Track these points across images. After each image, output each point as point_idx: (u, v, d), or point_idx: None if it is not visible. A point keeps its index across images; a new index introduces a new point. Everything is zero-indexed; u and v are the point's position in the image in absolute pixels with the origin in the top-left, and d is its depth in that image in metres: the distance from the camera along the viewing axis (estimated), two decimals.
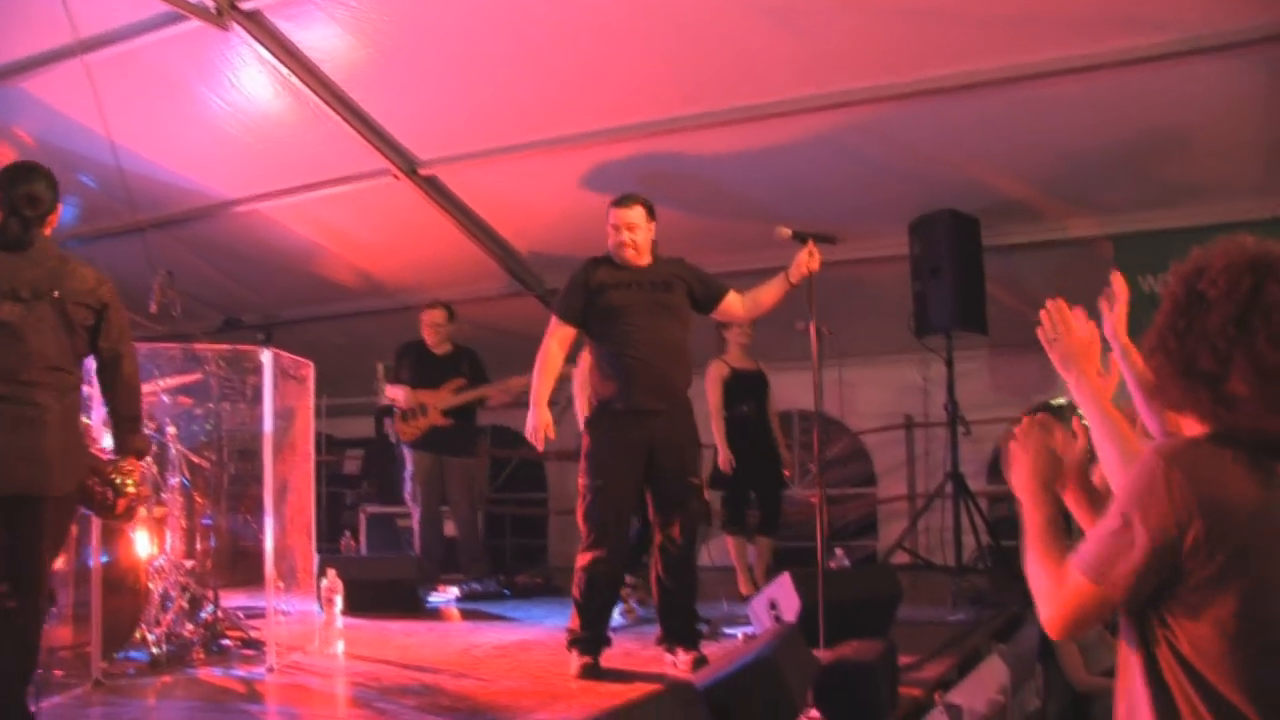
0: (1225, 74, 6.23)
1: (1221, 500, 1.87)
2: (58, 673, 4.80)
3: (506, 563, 9.27)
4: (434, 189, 8.12)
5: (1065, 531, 2.18)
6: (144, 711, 4.53)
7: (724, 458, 7.07)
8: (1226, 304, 1.94)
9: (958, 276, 7.30)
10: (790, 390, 7.96)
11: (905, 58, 6.36)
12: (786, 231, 5.63)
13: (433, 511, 7.91)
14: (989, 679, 4.96)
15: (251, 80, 6.97)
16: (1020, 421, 2.28)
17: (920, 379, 9.30)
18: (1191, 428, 2.05)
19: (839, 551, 7.06)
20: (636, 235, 5.23)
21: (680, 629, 5.12)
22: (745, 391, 7.33)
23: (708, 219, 8.03)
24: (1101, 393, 2.30)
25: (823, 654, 4.15)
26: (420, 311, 8.12)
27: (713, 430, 7.14)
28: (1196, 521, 1.85)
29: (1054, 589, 2.01)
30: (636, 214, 5.24)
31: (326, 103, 7.07)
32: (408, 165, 7.82)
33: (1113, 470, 2.19)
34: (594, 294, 5.19)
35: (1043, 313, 2.41)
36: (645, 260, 5.29)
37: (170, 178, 8.12)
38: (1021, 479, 2.20)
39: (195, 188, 8.36)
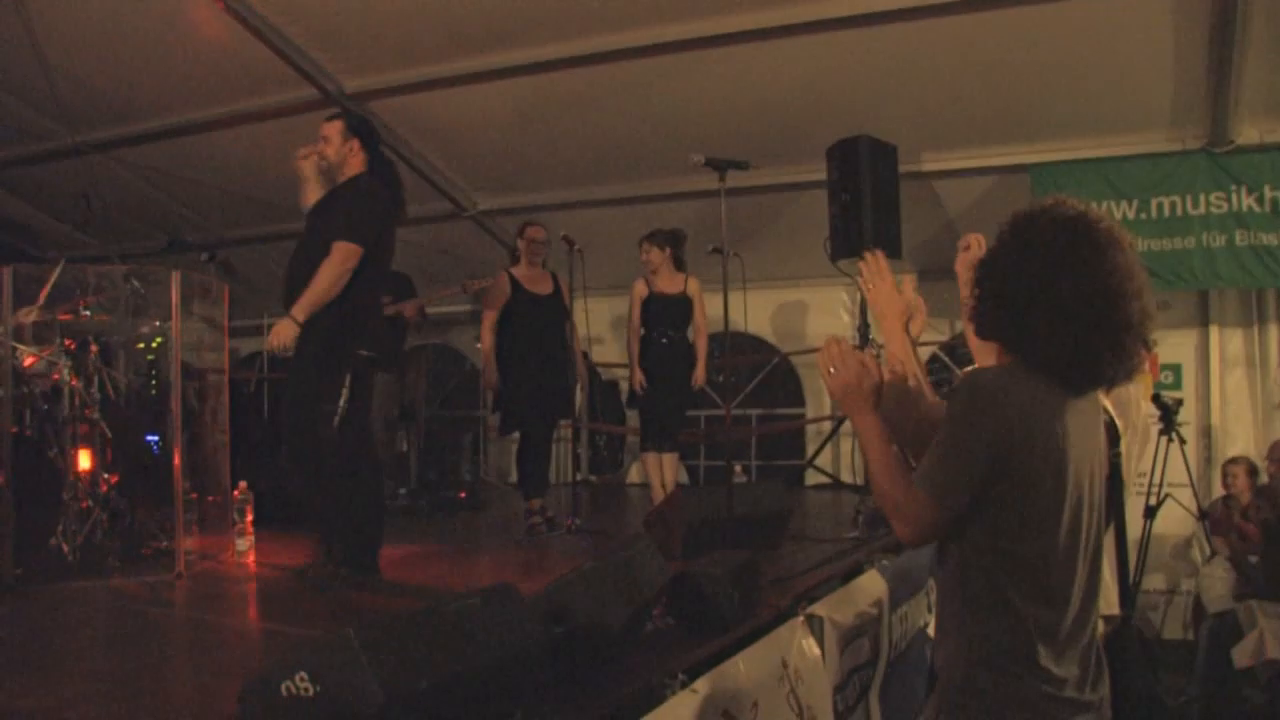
0: (1139, 5, 6.38)
1: (1030, 417, 2.27)
2: None
3: (433, 478, 9.46)
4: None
5: (891, 441, 2.50)
6: (51, 613, 4.73)
7: (636, 378, 7.26)
8: (1046, 252, 2.31)
9: (873, 202, 7.41)
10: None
11: None
12: (699, 159, 5.80)
13: None
14: (862, 593, 5.14)
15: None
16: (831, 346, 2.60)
17: (849, 302, 9.50)
18: (994, 356, 2.46)
19: (738, 469, 7.25)
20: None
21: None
22: (664, 313, 7.43)
23: (626, 146, 8.14)
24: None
25: (685, 564, 4.33)
26: None
27: (629, 350, 7.35)
28: (1014, 436, 2.25)
29: (903, 506, 2.35)
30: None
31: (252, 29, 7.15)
32: (334, 92, 7.92)
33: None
34: None
35: (821, 348, 2.63)
36: None
37: (107, 98, 8.20)
38: (846, 393, 2.54)
39: (132, 109, 8.43)
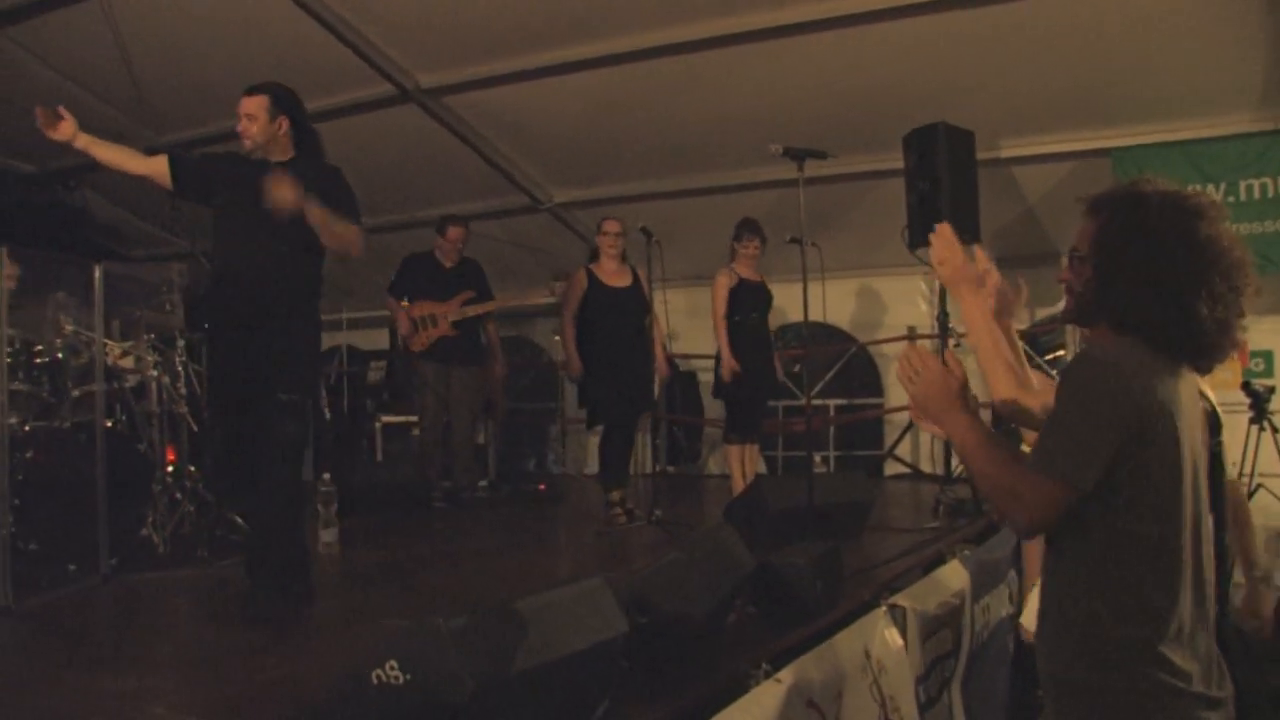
0: None
1: (1152, 391, 2.19)
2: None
3: (513, 470, 9.55)
4: (437, 111, 8.33)
5: (1004, 436, 2.43)
6: (145, 601, 4.84)
7: (728, 366, 7.25)
8: (1153, 224, 2.26)
9: (951, 189, 7.34)
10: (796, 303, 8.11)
11: None
12: (778, 148, 5.78)
13: (435, 420, 8.17)
14: (945, 583, 5.11)
15: None
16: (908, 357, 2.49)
17: (927, 291, 9.42)
18: (1103, 336, 2.36)
19: (817, 459, 7.22)
20: None
21: None
22: (752, 303, 7.40)
23: (703, 136, 8.14)
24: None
25: (769, 555, 4.32)
26: (451, 227, 8.23)
27: (718, 340, 7.35)
28: (1139, 410, 2.17)
29: (1023, 493, 2.23)
30: None
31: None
32: (411, 88, 8.01)
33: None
34: None
35: (899, 359, 2.54)
36: None
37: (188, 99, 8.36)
38: (931, 400, 2.43)
39: (212, 110, 8.57)
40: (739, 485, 7.22)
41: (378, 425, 9.23)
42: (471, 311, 8.10)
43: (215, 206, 4.77)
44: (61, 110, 4.36)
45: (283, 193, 4.43)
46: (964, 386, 2.41)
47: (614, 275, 7.21)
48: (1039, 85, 7.31)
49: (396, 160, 9.07)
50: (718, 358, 7.31)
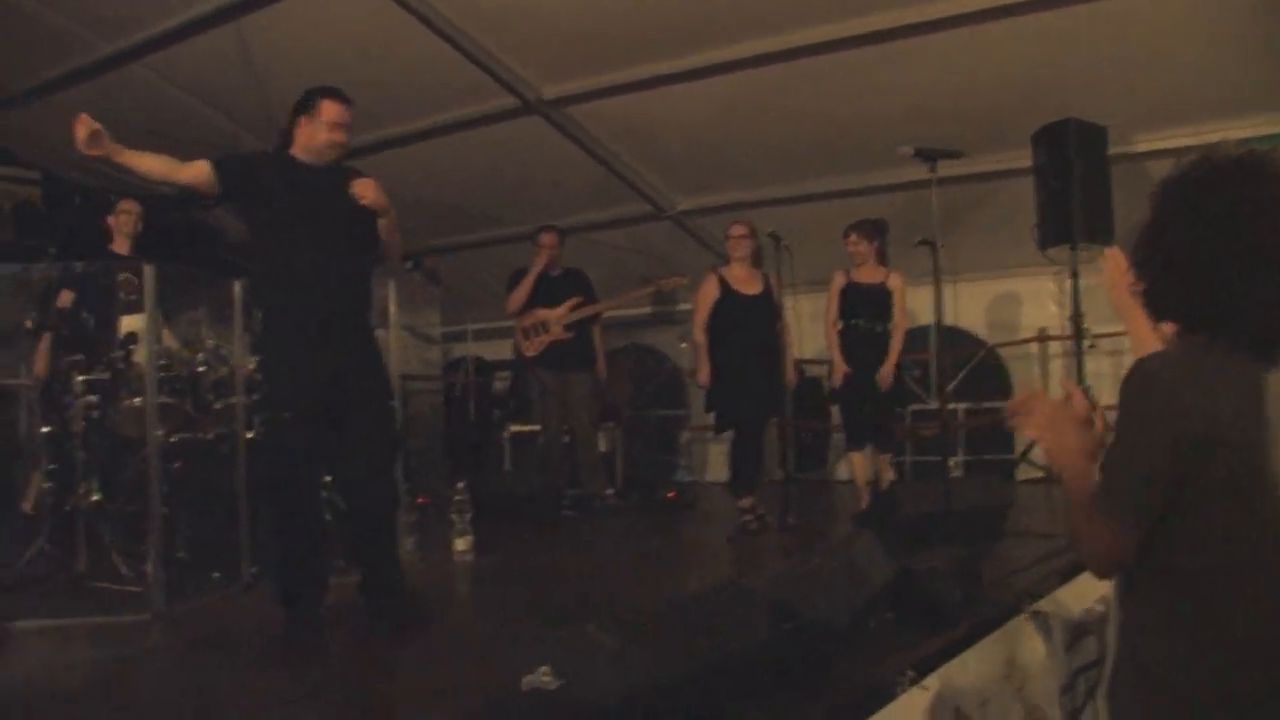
0: None
1: (1217, 400, 1.90)
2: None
3: (640, 477, 9.57)
4: (559, 121, 8.42)
5: None
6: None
7: (837, 371, 7.19)
8: (1217, 204, 1.98)
9: (1083, 187, 7.20)
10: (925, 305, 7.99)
11: None
12: (909, 150, 5.73)
13: (555, 426, 8.25)
14: (1087, 589, 4.98)
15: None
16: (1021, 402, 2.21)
17: (1056, 292, 9.23)
18: (1169, 334, 2.15)
19: (950, 463, 7.09)
20: None
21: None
22: (864, 304, 7.26)
23: (828, 140, 8.09)
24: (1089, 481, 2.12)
25: (907, 561, 4.27)
26: (543, 234, 8.38)
27: (828, 343, 7.29)
28: (1198, 425, 1.89)
29: (1084, 536, 2.03)
30: None
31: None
32: (533, 99, 8.11)
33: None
34: None
35: (1021, 405, 2.22)
36: None
37: None
38: (1065, 454, 2.11)
39: None
40: (862, 492, 7.16)
41: (506, 435, 9.35)
42: (580, 314, 8.19)
43: (262, 211, 4.59)
44: (93, 123, 4.11)
45: (375, 194, 4.55)
46: (1100, 442, 2.11)
47: (744, 281, 7.20)
48: (1173, 75, 7.09)
49: (519, 172, 9.19)
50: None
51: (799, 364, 8.40)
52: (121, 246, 6.81)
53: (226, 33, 7.63)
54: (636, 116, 8.31)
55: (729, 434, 7.34)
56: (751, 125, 8.27)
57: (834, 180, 8.78)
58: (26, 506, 6.45)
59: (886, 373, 7.12)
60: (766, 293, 7.16)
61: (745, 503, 6.95)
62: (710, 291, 7.19)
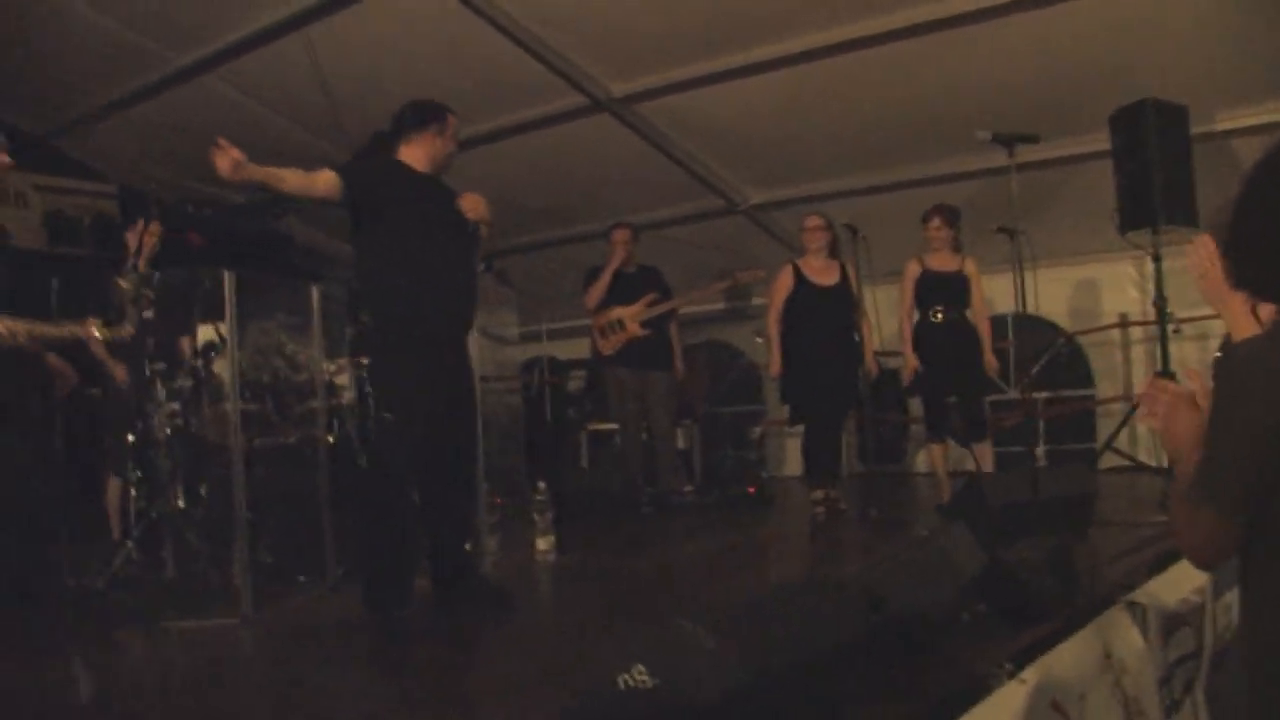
0: None
1: None
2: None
3: (719, 473, 9.52)
4: (629, 119, 8.41)
5: None
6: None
7: (909, 364, 7.10)
8: None
9: (1163, 169, 7.05)
10: (1000, 293, 7.90)
11: None
12: (986, 135, 5.64)
13: (634, 425, 8.24)
14: (1183, 579, 4.87)
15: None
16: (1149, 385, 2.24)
17: (1137, 276, 9.06)
18: (1267, 318, 2.09)
19: (1038, 454, 6.97)
20: None
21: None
22: (941, 292, 7.09)
23: (900, 128, 8.01)
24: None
25: (997, 552, 4.20)
26: (615, 230, 8.41)
27: (902, 333, 7.20)
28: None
29: (1181, 528, 2.00)
30: None
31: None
32: (603, 97, 8.11)
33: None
34: None
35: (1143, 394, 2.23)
36: None
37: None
38: (1181, 445, 2.12)
39: None
40: (942, 484, 7.06)
41: (583, 434, 9.35)
42: (656, 310, 8.17)
43: (385, 220, 4.63)
44: (232, 150, 4.12)
45: (484, 210, 4.84)
46: None
47: (820, 272, 7.15)
48: (1254, 51, 6.91)
49: (590, 170, 9.18)
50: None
51: (878, 356, 8.32)
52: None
53: (295, 40, 7.68)
54: (706, 111, 8.26)
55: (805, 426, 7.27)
56: (822, 116, 8.20)
57: (907, 169, 8.69)
58: (111, 515, 6.53)
59: (991, 361, 7.00)
60: (843, 283, 7.10)
61: (817, 494, 6.90)
62: (785, 283, 7.15)
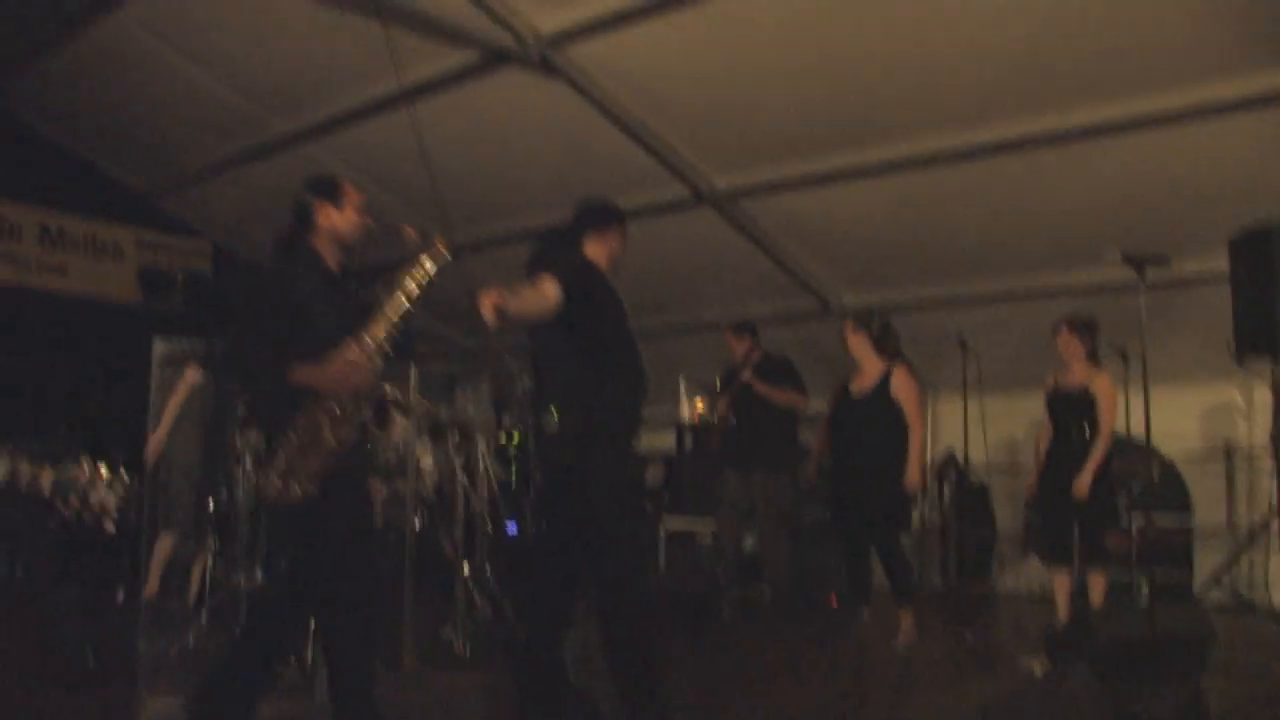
0: None
1: None
2: None
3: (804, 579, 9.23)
4: (732, 214, 8.36)
5: None
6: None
7: (1029, 483, 6.83)
8: None
9: None
10: None
11: (1222, 62, 6.02)
12: (1115, 254, 5.44)
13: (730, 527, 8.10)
14: None
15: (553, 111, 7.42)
16: None
17: (1242, 403, 8.75)
18: None
19: (1143, 588, 6.63)
20: None
21: None
22: (1063, 411, 6.80)
23: (1003, 239, 7.89)
24: None
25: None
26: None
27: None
28: None
29: None
30: None
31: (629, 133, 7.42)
32: (706, 191, 8.09)
33: None
34: None
35: None
36: None
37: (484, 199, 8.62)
38: None
39: (508, 209, 8.84)
40: (1060, 610, 6.65)
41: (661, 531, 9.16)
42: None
43: (603, 318, 4.65)
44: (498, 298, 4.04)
45: None
46: None
47: (862, 378, 6.98)
48: None
49: (686, 262, 9.09)
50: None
51: (960, 468, 8.05)
52: None
53: (401, 117, 7.67)
54: (809, 211, 8.18)
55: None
56: (926, 223, 8.07)
57: (1011, 280, 8.45)
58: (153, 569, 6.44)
59: (1084, 483, 6.54)
60: (878, 390, 6.87)
61: (862, 614, 6.75)
62: (837, 390, 7.13)
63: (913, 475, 6.69)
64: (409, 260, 4.04)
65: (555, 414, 4.47)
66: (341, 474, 3.86)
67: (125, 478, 4.37)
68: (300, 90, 8.10)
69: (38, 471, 3.97)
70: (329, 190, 4.10)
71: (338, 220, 4.07)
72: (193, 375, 6.55)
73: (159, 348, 6.51)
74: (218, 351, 6.32)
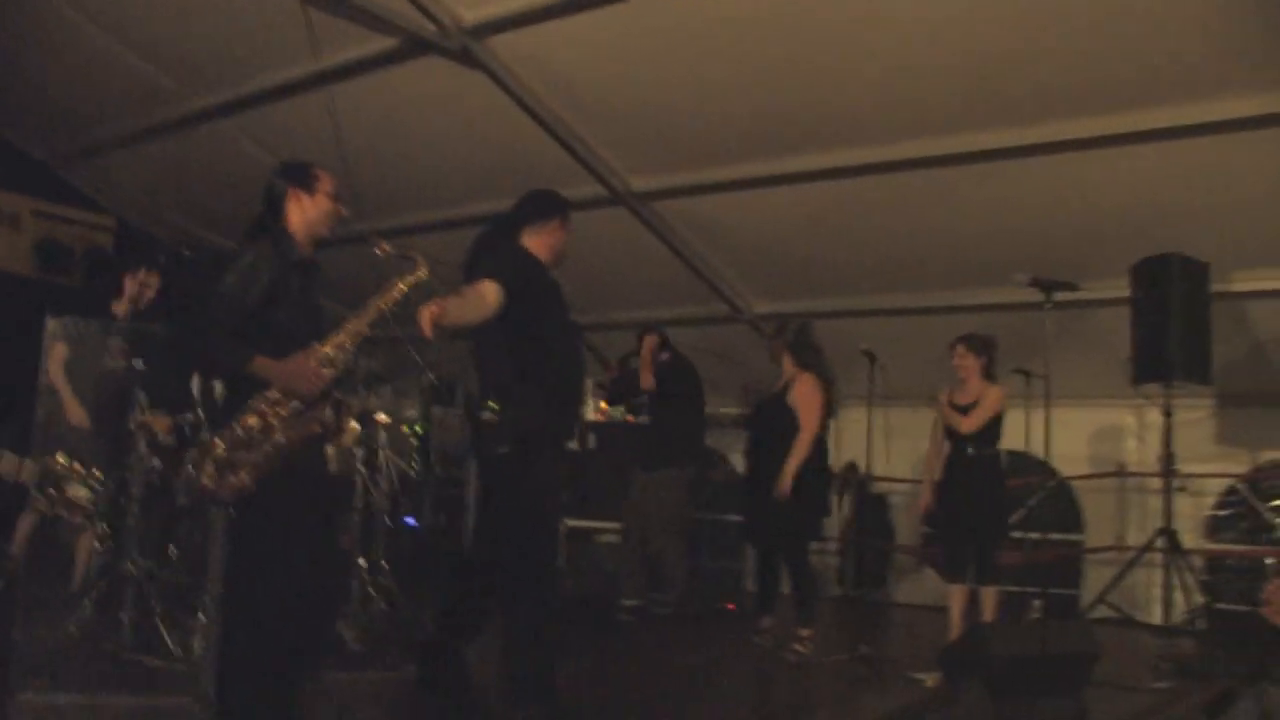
0: None
1: None
2: None
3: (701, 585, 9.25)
4: (646, 215, 8.38)
5: None
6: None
7: (923, 498, 6.87)
8: None
9: (1182, 323, 6.99)
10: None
11: (1134, 96, 6.16)
12: (1024, 278, 5.53)
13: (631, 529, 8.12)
14: None
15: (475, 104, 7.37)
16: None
17: (1136, 425, 8.95)
18: None
19: (1035, 603, 6.75)
20: None
21: None
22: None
23: (914, 255, 7.98)
24: None
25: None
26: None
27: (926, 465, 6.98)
28: None
29: None
30: None
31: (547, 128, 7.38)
32: (621, 191, 8.10)
33: None
34: None
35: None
36: None
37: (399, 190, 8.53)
38: None
39: (422, 201, 8.76)
40: (955, 626, 6.59)
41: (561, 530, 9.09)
42: None
43: (544, 311, 4.64)
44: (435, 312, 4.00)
45: None
46: None
47: (778, 383, 7.04)
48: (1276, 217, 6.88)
49: (598, 261, 9.04)
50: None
51: (860, 478, 8.11)
52: (120, 309, 6.50)
53: (317, 99, 7.53)
54: (723, 216, 8.21)
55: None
56: (837, 234, 8.14)
57: (918, 296, 8.56)
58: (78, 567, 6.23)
59: (785, 484, 6.62)
60: (779, 396, 6.91)
61: (763, 622, 6.80)
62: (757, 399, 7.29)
63: (784, 482, 6.60)
64: (384, 283, 4.01)
65: (493, 408, 4.42)
66: (291, 473, 3.71)
67: (98, 474, 4.29)
68: (218, 67, 7.91)
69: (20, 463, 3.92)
70: (301, 176, 4.02)
71: (309, 206, 3.99)
72: (60, 350, 6.29)
73: (52, 325, 6.28)
74: (163, 334, 6.10)
